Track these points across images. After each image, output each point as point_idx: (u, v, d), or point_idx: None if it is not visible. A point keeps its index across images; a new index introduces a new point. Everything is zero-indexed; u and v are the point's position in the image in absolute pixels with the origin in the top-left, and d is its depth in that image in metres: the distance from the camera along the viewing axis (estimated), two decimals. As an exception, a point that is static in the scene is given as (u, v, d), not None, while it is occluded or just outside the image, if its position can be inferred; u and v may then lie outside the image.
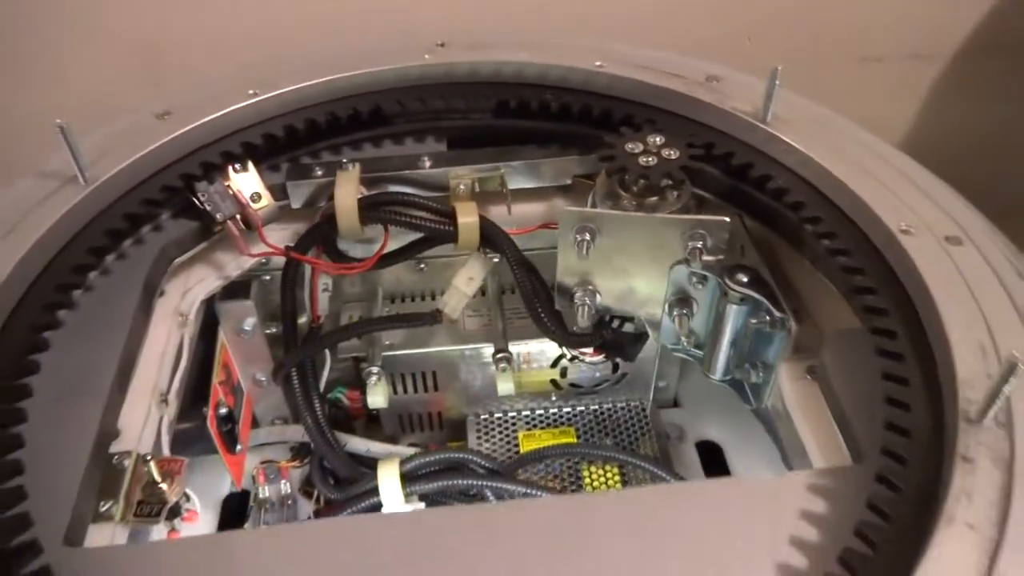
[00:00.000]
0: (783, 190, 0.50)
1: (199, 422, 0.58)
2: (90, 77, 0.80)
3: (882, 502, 0.34)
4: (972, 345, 0.38)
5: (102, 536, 0.42)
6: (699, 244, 0.52)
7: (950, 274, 0.41)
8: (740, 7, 0.89)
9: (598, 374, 0.70)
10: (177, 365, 0.53)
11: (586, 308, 0.56)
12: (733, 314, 0.53)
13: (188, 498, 0.51)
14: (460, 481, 0.60)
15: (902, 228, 0.44)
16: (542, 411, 0.70)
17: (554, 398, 0.70)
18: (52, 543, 0.37)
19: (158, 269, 0.53)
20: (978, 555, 0.31)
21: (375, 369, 0.62)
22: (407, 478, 0.60)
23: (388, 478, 0.58)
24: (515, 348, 0.65)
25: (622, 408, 0.71)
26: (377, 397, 0.63)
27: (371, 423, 0.72)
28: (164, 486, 0.46)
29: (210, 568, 0.38)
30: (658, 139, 0.54)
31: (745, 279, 0.52)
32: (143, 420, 0.48)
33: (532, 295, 0.58)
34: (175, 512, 0.48)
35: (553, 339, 0.59)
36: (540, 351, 0.67)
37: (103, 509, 0.43)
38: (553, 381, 0.70)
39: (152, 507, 0.46)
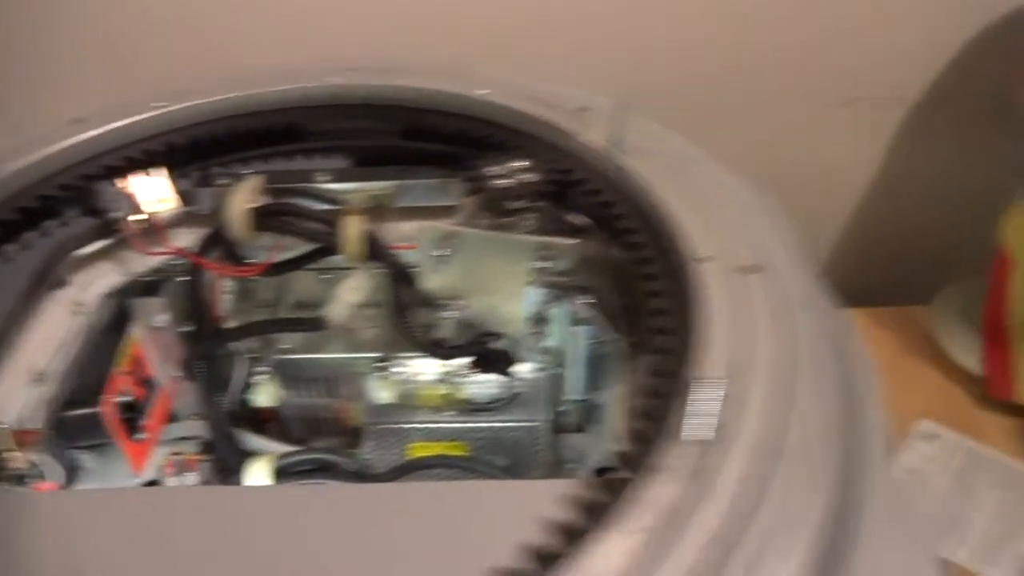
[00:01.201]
0: (620, 216, 0.52)
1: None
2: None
3: (584, 507, 0.35)
4: (710, 365, 0.39)
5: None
6: (548, 264, 0.54)
7: (727, 300, 0.42)
8: (705, 50, 0.90)
9: (492, 392, 0.71)
10: (64, 349, 0.58)
11: (452, 322, 0.59)
12: (577, 335, 0.55)
13: (40, 468, 0.55)
14: (329, 481, 0.63)
15: (698, 256, 0.45)
16: (439, 426, 0.72)
17: (451, 414, 0.73)
18: None
19: (55, 260, 0.58)
20: (634, 553, 0.32)
21: (263, 369, 0.66)
22: (280, 474, 0.63)
23: (256, 473, 0.62)
24: (412, 362, 0.68)
25: (518, 428, 0.72)
26: (263, 396, 0.67)
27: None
28: (17, 453, 0.51)
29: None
30: (518, 164, 0.57)
31: (585, 301, 0.54)
32: (14, 395, 0.53)
33: (402, 306, 0.61)
34: (25, 479, 0.52)
35: (419, 350, 0.62)
36: (435, 365, 0.69)
37: (-44, 469, 0.48)
38: (448, 396, 0.72)
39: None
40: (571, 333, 0.56)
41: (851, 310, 0.96)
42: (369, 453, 0.70)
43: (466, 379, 0.69)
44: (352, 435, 0.74)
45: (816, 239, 1.05)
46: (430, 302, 0.60)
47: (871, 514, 0.37)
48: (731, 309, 0.42)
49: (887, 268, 1.06)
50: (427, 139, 0.64)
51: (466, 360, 0.62)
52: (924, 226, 1.02)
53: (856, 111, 0.94)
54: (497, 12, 0.80)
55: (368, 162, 0.66)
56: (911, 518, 0.37)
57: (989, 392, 0.85)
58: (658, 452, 0.35)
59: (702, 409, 0.35)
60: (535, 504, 0.35)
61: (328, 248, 0.63)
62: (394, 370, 0.67)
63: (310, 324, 0.63)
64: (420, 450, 0.70)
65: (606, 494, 0.35)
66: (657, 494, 0.33)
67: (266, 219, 0.62)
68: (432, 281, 0.58)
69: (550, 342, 0.58)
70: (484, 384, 0.70)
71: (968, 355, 0.87)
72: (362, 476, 0.63)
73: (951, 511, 0.78)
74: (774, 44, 0.88)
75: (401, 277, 0.62)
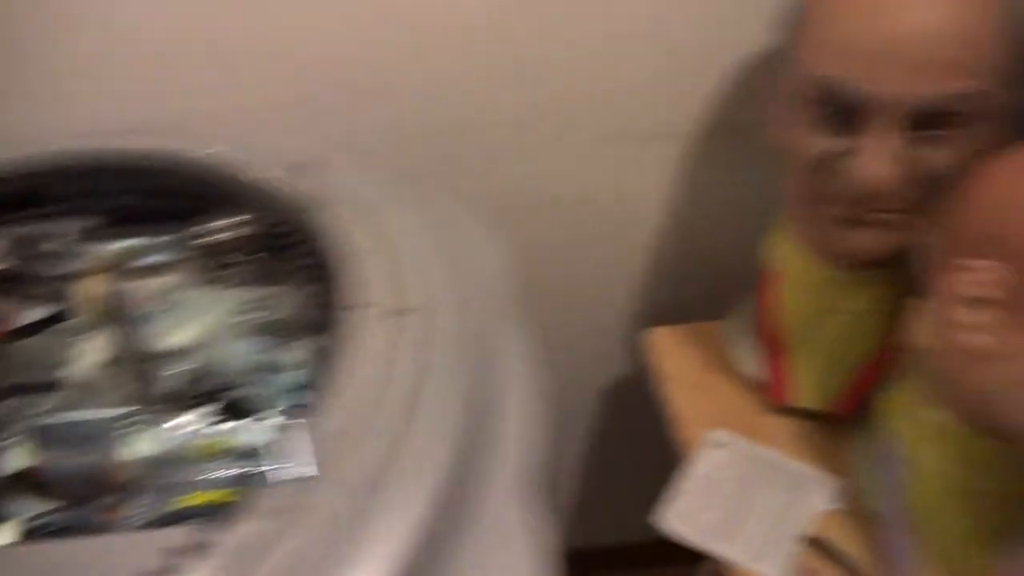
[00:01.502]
0: (311, 266, 0.55)
1: None
2: None
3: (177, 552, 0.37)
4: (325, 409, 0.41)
5: None
6: (265, 314, 0.57)
7: (369, 344, 0.45)
8: (473, 93, 0.91)
9: (265, 438, 0.73)
10: None
11: (188, 374, 0.61)
12: (299, 379, 0.57)
13: None
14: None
15: (356, 303, 0.48)
16: (210, 476, 0.73)
17: (221, 463, 0.73)
18: None
19: None
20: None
21: (10, 434, 0.66)
22: (32, 535, 0.63)
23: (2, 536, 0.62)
24: (167, 416, 0.69)
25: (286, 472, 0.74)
26: (25, 459, 0.67)
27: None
28: None
29: None
30: (235, 219, 0.59)
31: (299, 346, 0.56)
32: None
33: (142, 362, 0.63)
34: None
35: (163, 404, 0.63)
36: (187, 417, 0.70)
37: None
38: (214, 445, 0.73)
39: None
40: (294, 377, 0.59)
41: (661, 327, 1.02)
42: (142, 507, 0.71)
43: (218, 428, 0.70)
44: (123, 491, 0.74)
45: (622, 264, 1.09)
46: (166, 356, 0.61)
47: (479, 540, 0.39)
48: (369, 352, 0.45)
49: (690, 287, 1.11)
50: (160, 198, 0.66)
51: (209, 409, 0.64)
52: (717, 246, 1.08)
53: (637, 144, 0.99)
54: (250, 65, 0.80)
55: (110, 223, 0.67)
56: (520, 547, 0.40)
57: (768, 398, 0.90)
58: (257, 492, 0.37)
59: (296, 449, 0.37)
60: (135, 555, 0.37)
61: (67, 310, 0.64)
62: (150, 425, 0.68)
63: (50, 386, 0.64)
64: (191, 500, 0.71)
65: (200, 538, 0.37)
66: (239, 534, 0.36)
67: (2, 284, 0.63)
68: (164, 336, 0.60)
69: (280, 387, 0.60)
70: (244, 432, 0.72)
71: (752, 365, 0.92)
72: (114, 531, 0.63)
73: (732, 513, 0.83)
74: (543, 83, 0.92)
75: (138, 334, 0.63)
